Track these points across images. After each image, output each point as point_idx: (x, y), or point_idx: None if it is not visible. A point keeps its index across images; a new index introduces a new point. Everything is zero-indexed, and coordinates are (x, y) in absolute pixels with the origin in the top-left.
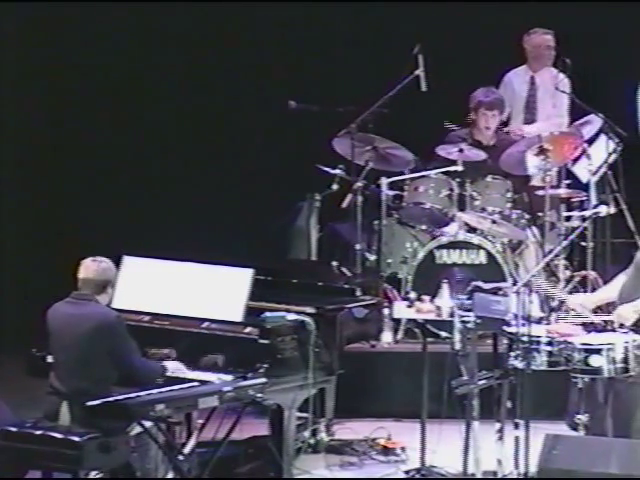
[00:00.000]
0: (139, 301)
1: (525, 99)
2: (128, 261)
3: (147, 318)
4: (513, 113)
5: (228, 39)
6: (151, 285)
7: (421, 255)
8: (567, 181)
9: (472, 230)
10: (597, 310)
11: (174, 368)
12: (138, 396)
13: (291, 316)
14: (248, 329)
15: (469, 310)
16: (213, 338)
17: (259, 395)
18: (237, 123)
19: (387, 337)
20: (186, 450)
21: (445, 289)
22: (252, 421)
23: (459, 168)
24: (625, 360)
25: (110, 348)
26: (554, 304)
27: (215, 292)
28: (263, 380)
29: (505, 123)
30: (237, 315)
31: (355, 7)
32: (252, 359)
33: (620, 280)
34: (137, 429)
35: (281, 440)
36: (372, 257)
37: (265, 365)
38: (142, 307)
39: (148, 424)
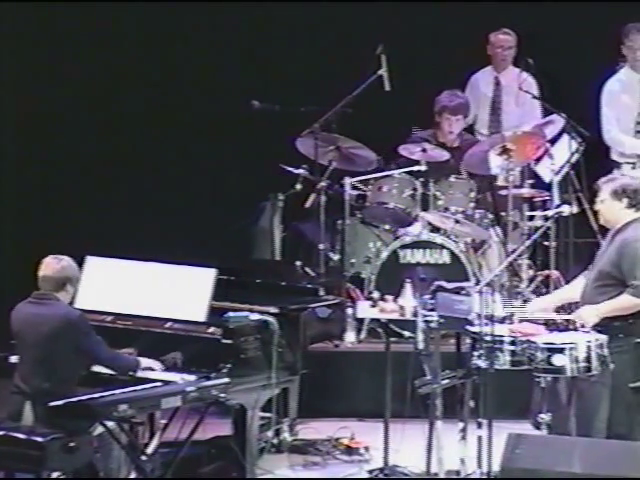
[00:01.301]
0: (102, 301)
1: (490, 100)
2: (91, 261)
3: (110, 318)
4: (479, 114)
5: (191, 39)
6: (114, 285)
7: (384, 255)
8: (530, 181)
9: (435, 230)
10: (559, 309)
11: (149, 363)
12: (101, 396)
13: (254, 316)
14: (211, 329)
15: (432, 310)
16: (176, 338)
17: (222, 395)
18: (200, 123)
19: (350, 337)
20: (149, 450)
21: (408, 289)
22: (215, 421)
23: (422, 168)
24: (588, 359)
25: (76, 346)
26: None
27: (178, 292)
28: (226, 380)
29: (471, 126)
30: (200, 315)
31: (319, 7)
32: (215, 359)
33: (580, 281)
34: (100, 429)
35: (244, 440)
36: (335, 257)
37: (228, 365)
38: (105, 307)
39: (111, 424)
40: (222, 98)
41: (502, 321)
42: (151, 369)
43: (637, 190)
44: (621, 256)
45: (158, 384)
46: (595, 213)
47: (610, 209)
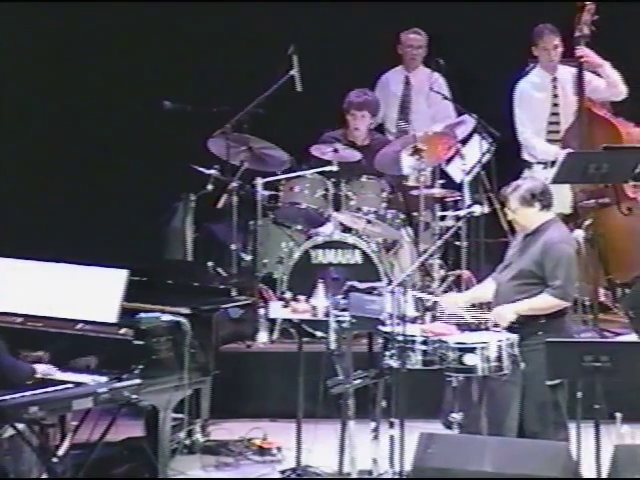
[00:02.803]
0: (12, 302)
1: (400, 99)
2: (0, 262)
3: (19, 320)
4: (388, 113)
5: (102, 38)
6: (24, 286)
7: (297, 255)
8: (441, 181)
9: (347, 230)
10: (470, 309)
11: (44, 370)
12: (12, 398)
13: (166, 317)
14: (123, 330)
15: (344, 310)
16: (87, 339)
17: (134, 396)
18: (111, 123)
19: (263, 337)
20: (60, 452)
21: (320, 289)
22: (127, 422)
23: (334, 168)
24: (499, 359)
25: None
26: (428, 303)
27: (89, 293)
28: (138, 381)
29: (381, 124)
30: (112, 316)
31: (230, 6)
32: (127, 360)
33: (491, 282)
34: (10, 431)
35: (156, 441)
36: (248, 257)
37: (140, 366)
38: (15, 308)
39: (21, 426)
40: (134, 98)
41: (414, 321)
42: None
43: (544, 190)
44: (545, 256)
45: (69, 386)
46: (505, 213)
47: (525, 216)
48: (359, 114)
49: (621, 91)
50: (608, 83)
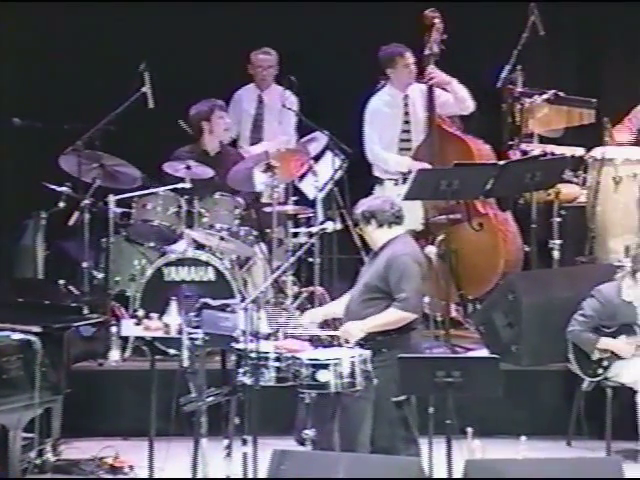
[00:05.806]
0: None
1: (253, 117)
2: None
3: None
4: (241, 131)
5: None
6: None
7: (149, 272)
8: (294, 197)
9: (200, 247)
10: (324, 325)
11: None
12: None
13: (17, 335)
14: None
15: (197, 327)
16: None
17: None
18: None
19: (115, 355)
20: None
21: (173, 306)
22: None
23: (187, 185)
24: (352, 375)
25: None
26: (281, 320)
27: None
28: None
29: (235, 141)
30: None
31: (82, 22)
32: None
33: (346, 297)
34: None
35: (6, 461)
36: (100, 275)
37: None
38: None
39: None
40: None
41: (267, 337)
42: None
43: (380, 209)
44: (389, 269)
45: None
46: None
47: (366, 233)
48: (226, 115)
49: (468, 106)
50: (456, 98)
